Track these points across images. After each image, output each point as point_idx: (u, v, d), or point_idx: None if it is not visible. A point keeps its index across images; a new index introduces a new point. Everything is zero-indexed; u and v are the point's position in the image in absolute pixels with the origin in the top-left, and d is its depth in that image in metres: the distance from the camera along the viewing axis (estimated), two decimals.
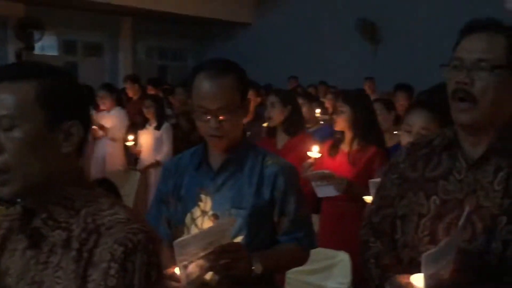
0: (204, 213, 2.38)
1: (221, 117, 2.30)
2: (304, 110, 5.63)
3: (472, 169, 1.94)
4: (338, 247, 3.86)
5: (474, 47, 1.92)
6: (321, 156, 4.16)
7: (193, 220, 2.38)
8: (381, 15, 14.59)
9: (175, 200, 2.47)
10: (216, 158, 2.42)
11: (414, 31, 14.00)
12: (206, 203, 2.38)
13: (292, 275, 3.85)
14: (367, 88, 11.66)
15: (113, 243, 1.44)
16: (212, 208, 2.37)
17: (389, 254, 2.07)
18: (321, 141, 4.68)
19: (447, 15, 12.04)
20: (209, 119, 2.30)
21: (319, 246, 3.97)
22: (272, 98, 4.69)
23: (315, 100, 7.50)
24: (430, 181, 2.01)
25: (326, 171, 3.95)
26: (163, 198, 2.53)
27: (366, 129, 4.18)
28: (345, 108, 4.20)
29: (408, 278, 1.85)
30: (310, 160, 4.06)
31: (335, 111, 4.78)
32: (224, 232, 2.17)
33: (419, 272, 1.79)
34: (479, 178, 1.93)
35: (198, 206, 2.39)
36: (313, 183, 4.03)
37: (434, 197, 1.98)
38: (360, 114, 4.17)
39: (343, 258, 3.86)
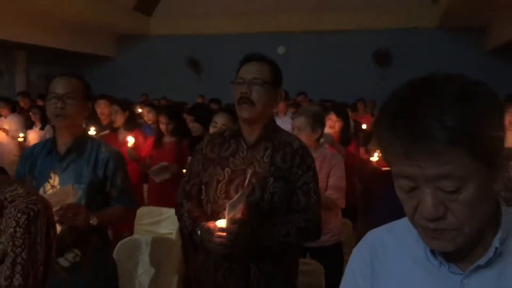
0: (53, 187, 2.17)
1: (67, 101, 2.13)
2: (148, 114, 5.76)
3: (250, 149, 1.99)
4: (168, 206, 3.79)
5: (251, 70, 1.97)
6: (150, 146, 4.24)
7: (45, 192, 2.15)
8: (204, 55, 14.82)
9: (31, 178, 2.23)
10: (62, 147, 2.22)
11: (224, 65, 14.16)
12: (55, 180, 2.18)
13: (139, 226, 3.80)
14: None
15: (16, 212, 1.29)
16: (60, 183, 2.16)
17: (197, 209, 2.02)
18: (148, 134, 4.83)
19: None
20: (56, 102, 2.13)
21: (156, 206, 3.90)
22: (115, 107, 4.62)
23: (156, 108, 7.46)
24: (224, 159, 2.00)
25: (163, 164, 3.88)
26: (21, 177, 2.28)
27: (179, 127, 4.23)
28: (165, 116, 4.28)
29: (214, 222, 1.82)
30: (130, 146, 4.12)
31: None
32: (68, 194, 2.02)
33: (219, 220, 1.82)
34: (255, 155, 1.97)
35: (49, 182, 2.18)
36: (152, 175, 3.97)
37: (227, 168, 1.98)
38: (175, 120, 4.24)
39: (172, 213, 3.77)
